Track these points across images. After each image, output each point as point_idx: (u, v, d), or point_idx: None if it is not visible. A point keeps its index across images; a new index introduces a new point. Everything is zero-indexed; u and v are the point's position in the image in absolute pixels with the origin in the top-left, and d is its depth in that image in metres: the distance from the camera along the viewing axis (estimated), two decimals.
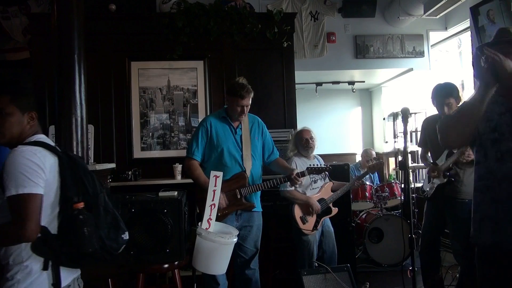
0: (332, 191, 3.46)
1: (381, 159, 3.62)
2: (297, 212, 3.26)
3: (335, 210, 3.43)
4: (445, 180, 3.00)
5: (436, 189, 3.07)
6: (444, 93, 3.01)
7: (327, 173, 3.42)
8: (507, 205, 1.62)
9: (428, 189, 3.16)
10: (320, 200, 3.33)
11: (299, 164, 3.30)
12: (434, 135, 3.15)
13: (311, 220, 3.29)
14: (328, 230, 3.44)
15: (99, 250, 1.57)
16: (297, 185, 3.04)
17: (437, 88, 3.09)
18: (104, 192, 1.68)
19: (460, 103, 1.80)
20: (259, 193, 2.87)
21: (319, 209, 3.27)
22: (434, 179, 3.10)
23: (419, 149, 3.41)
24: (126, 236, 1.69)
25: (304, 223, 3.25)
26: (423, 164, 3.56)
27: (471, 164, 2.96)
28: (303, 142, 3.41)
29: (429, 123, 3.27)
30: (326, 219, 3.43)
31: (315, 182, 3.41)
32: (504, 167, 1.63)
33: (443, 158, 3.07)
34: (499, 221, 1.64)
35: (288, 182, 2.96)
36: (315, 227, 3.29)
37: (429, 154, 3.31)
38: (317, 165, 3.24)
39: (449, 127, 1.70)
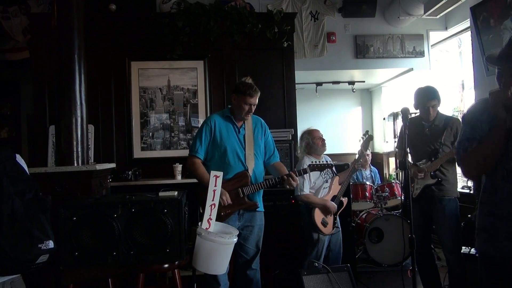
0: (339, 184, 3.50)
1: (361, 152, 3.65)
2: (317, 217, 3.28)
3: (345, 201, 3.51)
4: (434, 181, 3.08)
5: (423, 190, 3.14)
6: (427, 96, 3.12)
7: (333, 170, 3.48)
8: (506, 222, 1.61)
9: (413, 190, 3.20)
10: (333, 198, 3.39)
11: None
12: (416, 137, 3.19)
13: (330, 221, 3.34)
14: (336, 228, 3.48)
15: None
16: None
17: (420, 92, 3.18)
18: (15, 199, 1.55)
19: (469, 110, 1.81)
20: (261, 193, 2.87)
21: (335, 208, 3.34)
22: (419, 180, 3.16)
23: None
24: (46, 245, 1.58)
25: (325, 226, 3.31)
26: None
27: (453, 162, 3.08)
28: (319, 142, 3.45)
29: (409, 125, 3.27)
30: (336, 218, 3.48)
31: (326, 181, 3.45)
32: (509, 185, 1.61)
33: (425, 160, 3.15)
34: (493, 234, 1.64)
35: (302, 185, 3.19)
36: (334, 225, 3.38)
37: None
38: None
39: (471, 164, 1.70)
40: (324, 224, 3.30)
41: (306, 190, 3.30)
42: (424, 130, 3.20)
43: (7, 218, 1.50)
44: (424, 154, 3.18)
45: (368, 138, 3.51)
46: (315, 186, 3.38)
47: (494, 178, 1.66)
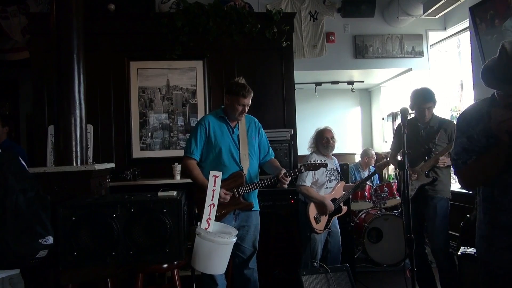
0: (343, 190, 3.53)
1: (385, 158, 3.76)
2: (312, 211, 3.30)
3: (345, 209, 3.52)
4: (429, 179, 3.13)
5: (418, 190, 3.18)
6: (424, 98, 3.17)
7: (339, 173, 3.61)
8: (505, 232, 1.62)
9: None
10: (333, 200, 3.40)
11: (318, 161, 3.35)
12: (412, 138, 3.17)
13: (324, 219, 3.35)
14: (334, 230, 3.49)
15: (1, 254, 1.53)
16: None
17: (416, 93, 3.23)
18: (19, 195, 1.61)
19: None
20: (256, 192, 2.87)
21: (332, 209, 3.35)
22: (413, 181, 3.19)
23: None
24: (46, 240, 1.63)
25: (317, 223, 3.32)
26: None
27: (448, 167, 3.16)
28: (324, 141, 3.49)
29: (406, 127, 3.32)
30: (334, 219, 3.48)
31: (330, 181, 3.46)
32: (508, 199, 1.62)
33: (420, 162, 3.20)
34: (493, 243, 1.65)
35: (304, 176, 3.22)
36: (326, 226, 3.36)
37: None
38: (335, 166, 3.45)
39: (471, 177, 1.71)
40: (317, 220, 3.31)
41: (308, 183, 3.32)
42: (419, 131, 3.24)
43: (10, 212, 1.56)
44: (418, 154, 3.20)
45: (384, 163, 3.70)
46: (318, 183, 3.40)
47: (493, 189, 1.67)
